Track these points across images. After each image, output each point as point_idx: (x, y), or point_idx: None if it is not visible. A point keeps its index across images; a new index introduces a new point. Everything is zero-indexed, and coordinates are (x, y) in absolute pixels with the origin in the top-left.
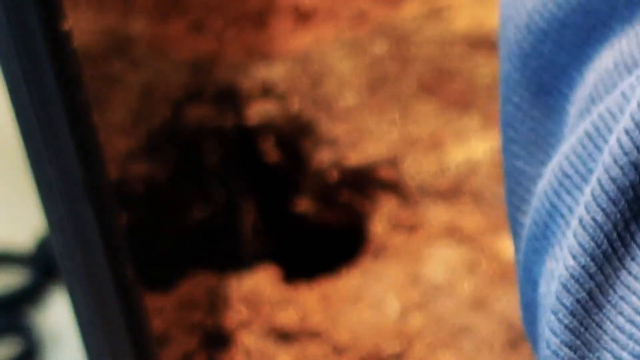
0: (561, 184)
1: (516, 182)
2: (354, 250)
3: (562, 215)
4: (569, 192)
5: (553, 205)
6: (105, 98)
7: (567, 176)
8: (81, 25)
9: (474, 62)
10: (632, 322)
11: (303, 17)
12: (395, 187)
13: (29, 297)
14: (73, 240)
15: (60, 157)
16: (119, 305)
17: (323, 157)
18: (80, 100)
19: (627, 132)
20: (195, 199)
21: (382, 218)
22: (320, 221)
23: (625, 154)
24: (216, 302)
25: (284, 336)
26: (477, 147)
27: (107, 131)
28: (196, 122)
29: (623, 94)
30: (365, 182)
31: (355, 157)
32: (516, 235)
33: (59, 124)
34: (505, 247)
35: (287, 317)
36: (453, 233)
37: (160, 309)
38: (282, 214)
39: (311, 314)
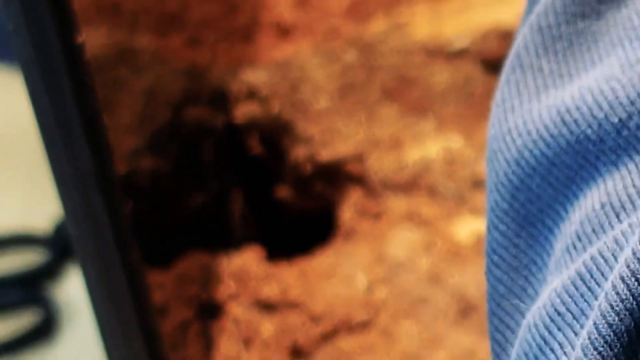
0: (552, 319)
1: (497, 305)
2: (327, 233)
3: (553, 350)
4: (560, 329)
5: (544, 339)
6: (115, 102)
7: (559, 313)
8: (94, 39)
9: (429, 70)
10: None
11: (284, 32)
12: (361, 180)
13: (47, 273)
14: (86, 224)
15: (75, 153)
16: (126, 280)
17: (299, 152)
18: (92, 104)
19: (623, 279)
20: (192, 189)
21: (350, 206)
22: (297, 207)
23: (622, 300)
24: (209, 278)
25: (268, 307)
26: (431, 147)
27: (116, 131)
28: (193, 122)
29: (616, 240)
30: (335, 175)
31: (326, 154)
32: (496, 357)
33: (74, 125)
34: (458, 230)
35: (270, 291)
36: (412, 218)
37: (161, 284)
38: (264, 201)
39: (291, 287)
